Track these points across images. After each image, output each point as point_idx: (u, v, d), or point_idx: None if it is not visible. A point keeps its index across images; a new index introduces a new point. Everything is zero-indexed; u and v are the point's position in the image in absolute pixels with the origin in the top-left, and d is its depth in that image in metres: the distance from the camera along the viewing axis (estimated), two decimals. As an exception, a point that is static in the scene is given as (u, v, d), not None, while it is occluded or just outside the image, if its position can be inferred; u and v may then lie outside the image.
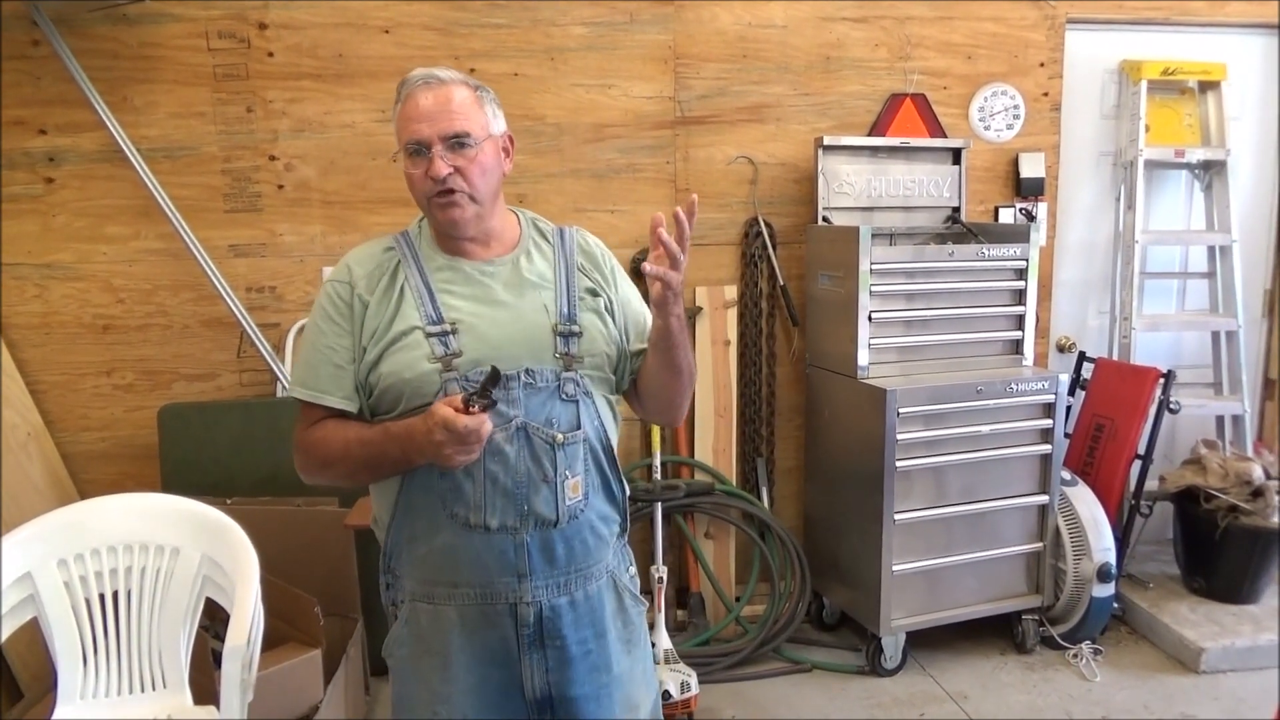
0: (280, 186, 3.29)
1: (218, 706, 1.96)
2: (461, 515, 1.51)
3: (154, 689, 2.20)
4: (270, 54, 3.21)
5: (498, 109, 1.60)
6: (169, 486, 3.02)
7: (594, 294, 1.63)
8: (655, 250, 1.47)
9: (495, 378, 1.37)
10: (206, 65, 3.19)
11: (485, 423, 1.39)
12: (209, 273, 3.17)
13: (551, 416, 1.52)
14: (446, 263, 1.59)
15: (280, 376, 3.22)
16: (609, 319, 1.63)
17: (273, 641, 2.54)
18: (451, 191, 1.51)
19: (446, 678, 1.56)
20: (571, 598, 1.57)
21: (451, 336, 1.51)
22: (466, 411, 1.37)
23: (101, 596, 2.20)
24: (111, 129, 3.08)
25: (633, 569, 1.71)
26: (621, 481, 1.64)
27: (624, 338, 1.65)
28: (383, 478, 1.56)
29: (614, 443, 1.62)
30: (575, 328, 1.56)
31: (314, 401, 1.56)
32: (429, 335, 1.51)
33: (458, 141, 1.51)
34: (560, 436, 1.51)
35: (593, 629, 1.60)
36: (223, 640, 1.98)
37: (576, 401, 1.54)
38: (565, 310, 1.58)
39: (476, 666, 1.56)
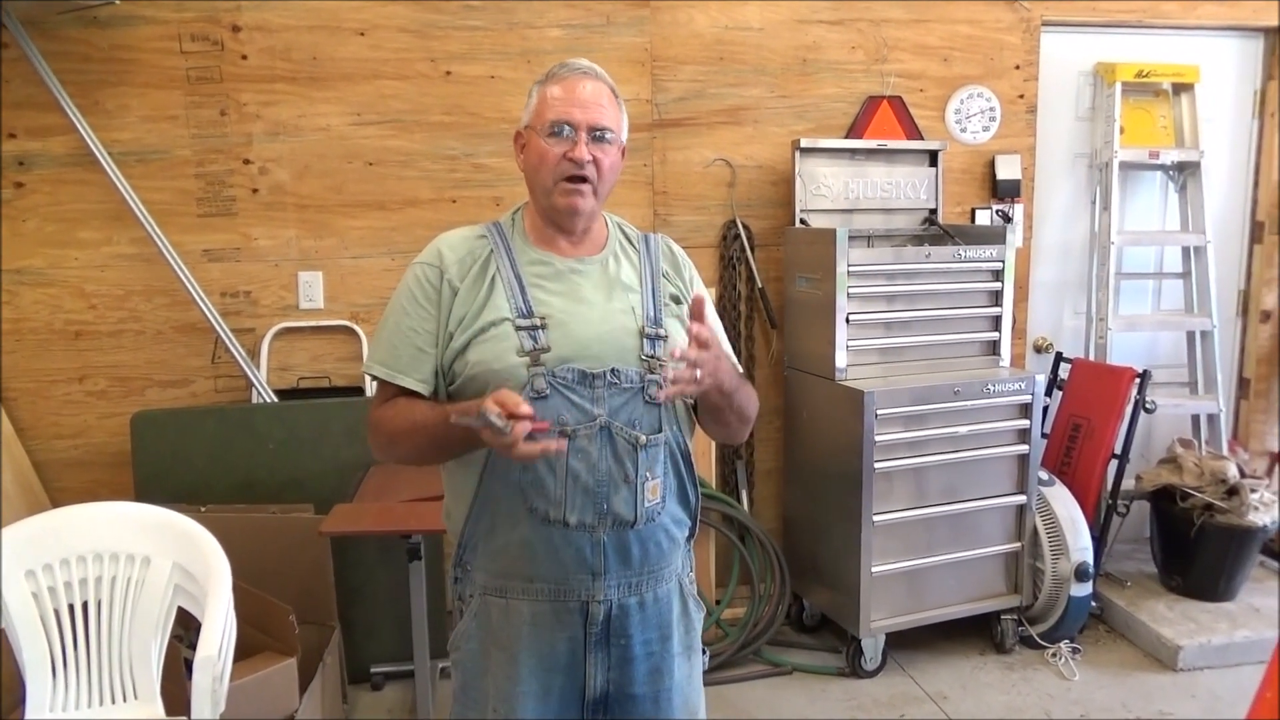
0: (254, 190, 3.26)
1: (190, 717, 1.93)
2: (541, 510, 1.51)
3: (125, 700, 2.18)
4: (244, 56, 3.19)
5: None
6: (142, 494, 2.99)
7: (676, 301, 1.65)
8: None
9: None
10: (179, 68, 3.16)
11: (524, 409, 1.35)
12: (182, 278, 3.14)
13: (634, 418, 1.52)
14: (539, 256, 1.60)
15: (255, 382, 3.19)
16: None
17: (248, 650, 2.52)
18: (584, 180, 1.55)
19: (512, 676, 1.56)
20: (641, 599, 1.58)
21: (541, 331, 1.52)
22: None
23: (71, 607, 2.18)
24: (82, 132, 3.05)
25: (692, 573, 1.72)
26: (696, 486, 1.65)
27: None
28: (451, 457, 1.57)
29: (691, 448, 1.63)
30: (661, 331, 1.58)
31: (390, 380, 1.57)
32: (518, 328, 1.51)
33: (600, 135, 1.56)
34: (643, 438, 1.52)
35: (658, 631, 1.61)
36: (195, 650, 1.96)
37: (659, 405, 1.55)
38: (652, 314, 1.59)
39: (542, 673, 1.56)
